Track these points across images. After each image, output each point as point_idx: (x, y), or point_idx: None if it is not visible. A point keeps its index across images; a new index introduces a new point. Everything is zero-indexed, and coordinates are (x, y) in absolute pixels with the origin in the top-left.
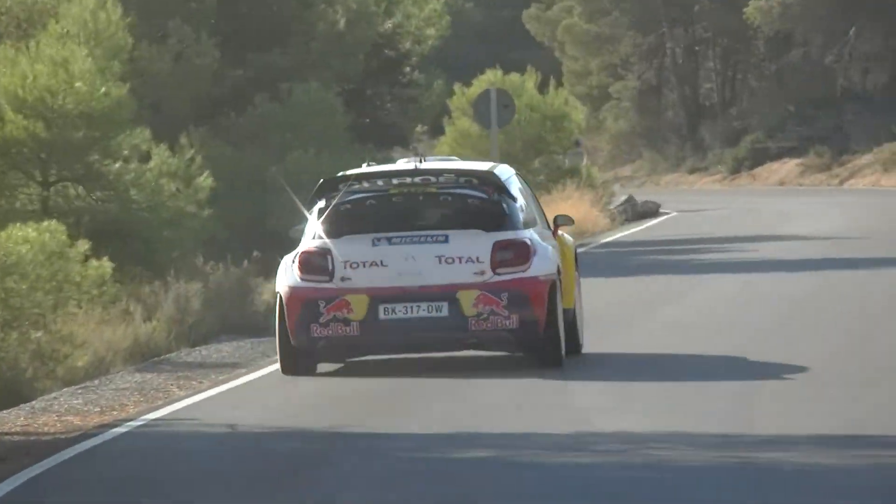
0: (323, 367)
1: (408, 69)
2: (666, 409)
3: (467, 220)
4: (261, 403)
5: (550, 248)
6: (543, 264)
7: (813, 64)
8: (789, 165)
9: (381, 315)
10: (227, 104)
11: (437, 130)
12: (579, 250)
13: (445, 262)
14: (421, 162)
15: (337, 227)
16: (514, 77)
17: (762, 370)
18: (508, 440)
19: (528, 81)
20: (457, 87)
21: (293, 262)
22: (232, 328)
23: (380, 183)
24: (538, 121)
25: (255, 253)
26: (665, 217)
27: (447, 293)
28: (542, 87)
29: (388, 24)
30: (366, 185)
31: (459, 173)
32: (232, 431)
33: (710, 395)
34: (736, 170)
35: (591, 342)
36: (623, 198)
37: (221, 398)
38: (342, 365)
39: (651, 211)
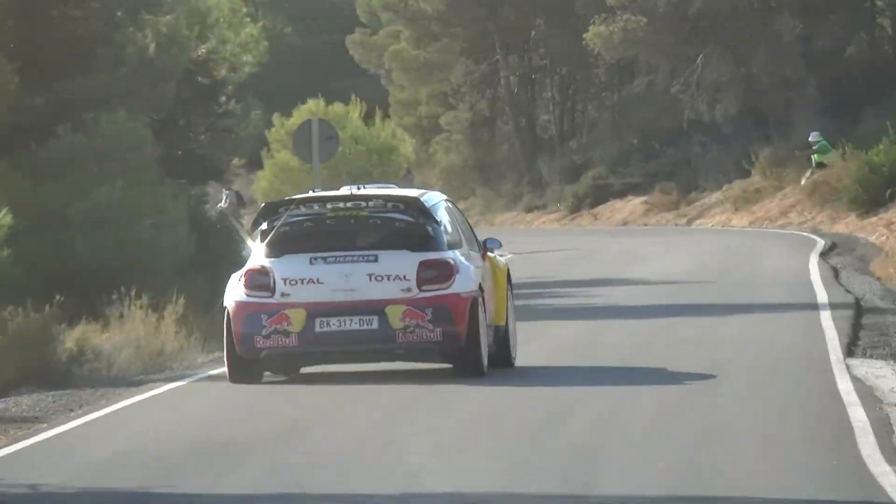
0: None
1: (223, 98)
2: (504, 468)
3: (395, 242)
4: (64, 461)
5: (473, 267)
6: (465, 282)
7: (658, 94)
8: (633, 203)
9: (318, 328)
10: (27, 135)
11: (255, 164)
12: None
13: (375, 279)
14: (358, 189)
15: (278, 247)
16: (338, 107)
17: (601, 425)
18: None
19: (352, 112)
20: (276, 117)
21: (239, 279)
22: (33, 379)
23: (316, 207)
24: (364, 154)
25: (58, 297)
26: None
27: (376, 308)
28: (367, 118)
29: (202, 50)
30: (304, 209)
31: (388, 199)
32: (32, 493)
33: (549, 452)
34: (576, 208)
35: (425, 398)
36: None
37: (20, 456)
38: (162, 420)
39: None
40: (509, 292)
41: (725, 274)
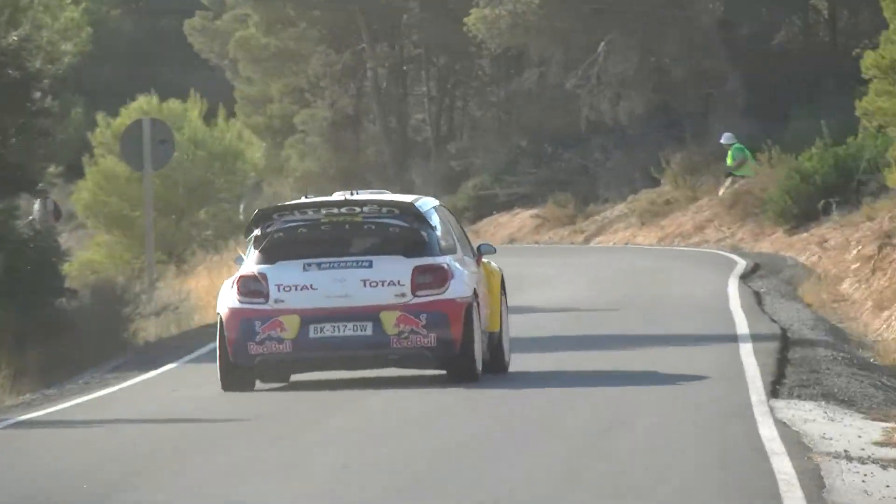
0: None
1: (37, 94)
2: None
3: (390, 247)
4: None
5: (467, 273)
6: (460, 287)
7: (551, 89)
8: (522, 217)
9: (312, 334)
10: None
11: (75, 172)
12: None
13: (370, 285)
14: (352, 194)
15: (271, 253)
16: (174, 105)
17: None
18: None
19: (191, 110)
20: (100, 117)
21: (232, 285)
22: None
23: (310, 213)
24: (205, 160)
25: None
26: None
27: (371, 314)
28: (209, 118)
29: (13, 37)
30: (297, 214)
31: (382, 204)
32: None
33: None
34: None
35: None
36: None
37: None
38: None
39: None
40: (503, 298)
41: (629, 300)
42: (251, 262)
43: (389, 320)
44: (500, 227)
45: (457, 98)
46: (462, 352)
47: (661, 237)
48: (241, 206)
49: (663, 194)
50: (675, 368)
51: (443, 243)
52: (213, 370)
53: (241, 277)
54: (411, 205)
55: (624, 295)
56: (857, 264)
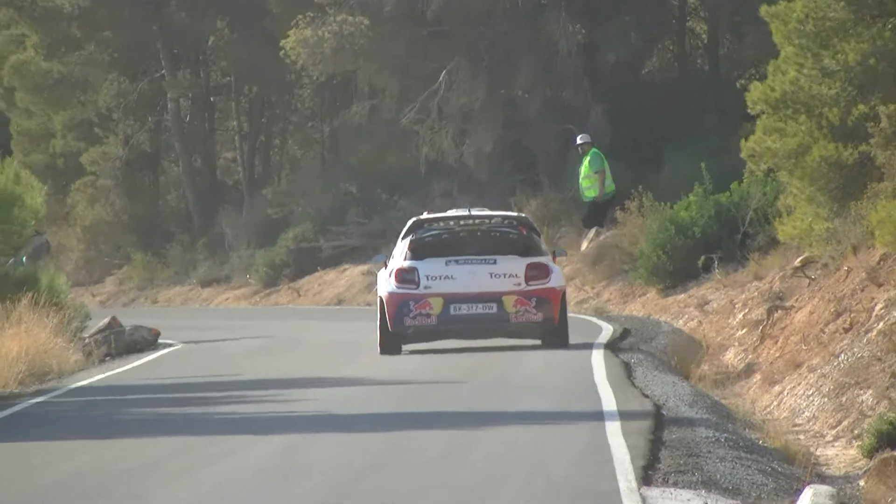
0: None
1: None
2: None
3: (508, 249)
4: None
5: (559, 269)
6: (558, 279)
7: (385, 125)
8: (351, 274)
9: (452, 311)
10: None
11: None
12: (34, 400)
13: (494, 276)
14: (469, 211)
15: (421, 252)
16: None
17: None
18: None
19: None
20: None
21: (390, 275)
22: None
23: (451, 224)
24: None
25: None
26: (167, 350)
27: (495, 297)
28: None
29: None
30: (441, 224)
31: (504, 217)
32: None
33: None
34: (273, 281)
35: None
36: (103, 322)
37: None
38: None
39: (146, 342)
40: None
41: (475, 372)
42: (405, 258)
43: (509, 302)
44: (326, 285)
45: (273, 135)
46: (559, 326)
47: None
48: (23, 258)
49: None
50: (530, 451)
51: (543, 247)
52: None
53: (398, 270)
54: (525, 218)
55: (472, 366)
56: (744, 330)
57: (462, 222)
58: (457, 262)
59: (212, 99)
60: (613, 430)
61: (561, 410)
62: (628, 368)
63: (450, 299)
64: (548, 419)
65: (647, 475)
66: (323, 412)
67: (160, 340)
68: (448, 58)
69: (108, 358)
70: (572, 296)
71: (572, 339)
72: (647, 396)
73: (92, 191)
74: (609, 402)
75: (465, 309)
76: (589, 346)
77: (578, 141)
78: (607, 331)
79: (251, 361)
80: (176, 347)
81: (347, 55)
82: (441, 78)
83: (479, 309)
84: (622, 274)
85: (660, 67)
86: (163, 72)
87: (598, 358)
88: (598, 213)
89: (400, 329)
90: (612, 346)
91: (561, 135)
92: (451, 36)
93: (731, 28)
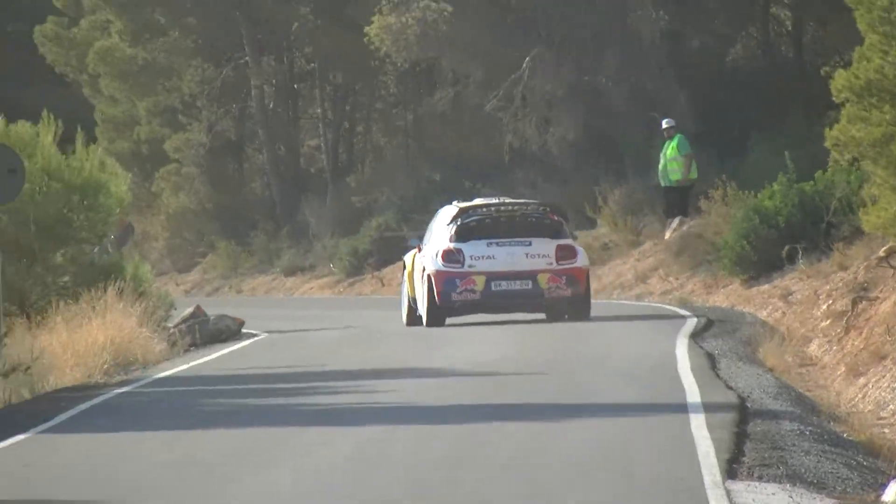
0: None
1: None
2: None
3: (542, 232)
4: None
5: (584, 250)
6: (584, 259)
7: (468, 112)
8: None
9: (493, 288)
10: None
11: None
12: (120, 390)
13: (530, 256)
14: (500, 199)
15: (465, 234)
16: (23, 127)
17: None
18: None
19: (44, 135)
20: None
21: (436, 255)
22: None
23: (492, 210)
24: (61, 194)
25: None
26: (251, 341)
27: (531, 275)
28: (65, 144)
29: None
30: (482, 210)
31: (539, 204)
32: None
33: None
34: (356, 270)
35: None
36: (188, 311)
37: None
38: None
39: (230, 331)
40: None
41: (559, 363)
42: (451, 241)
43: (543, 279)
44: None
45: (357, 122)
46: (584, 301)
47: (598, 288)
48: (108, 246)
49: (600, 237)
50: (613, 443)
51: (569, 231)
52: (74, 441)
53: (445, 251)
54: (557, 205)
55: (554, 357)
56: (828, 322)
57: (502, 208)
58: (497, 244)
59: (295, 86)
60: (698, 422)
61: (645, 402)
62: (712, 360)
63: (491, 277)
64: (631, 411)
65: (732, 468)
66: (406, 403)
67: (244, 330)
68: (532, 45)
69: (192, 347)
70: (656, 286)
71: (657, 330)
72: (731, 388)
73: (176, 178)
74: (693, 394)
75: (504, 285)
76: (673, 337)
77: (664, 125)
78: (691, 321)
79: (335, 352)
80: (260, 337)
81: (431, 41)
82: (525, 65)
83: (517, 285)
84: (706, 264)
85: (744, 55)
86: (246, 58)
87: (681, 349)
88: (679, 202)
89: (447, 303)
90: (696, 337)
91: (645, 123)
92: (535, 22)
93: (815, 15)
